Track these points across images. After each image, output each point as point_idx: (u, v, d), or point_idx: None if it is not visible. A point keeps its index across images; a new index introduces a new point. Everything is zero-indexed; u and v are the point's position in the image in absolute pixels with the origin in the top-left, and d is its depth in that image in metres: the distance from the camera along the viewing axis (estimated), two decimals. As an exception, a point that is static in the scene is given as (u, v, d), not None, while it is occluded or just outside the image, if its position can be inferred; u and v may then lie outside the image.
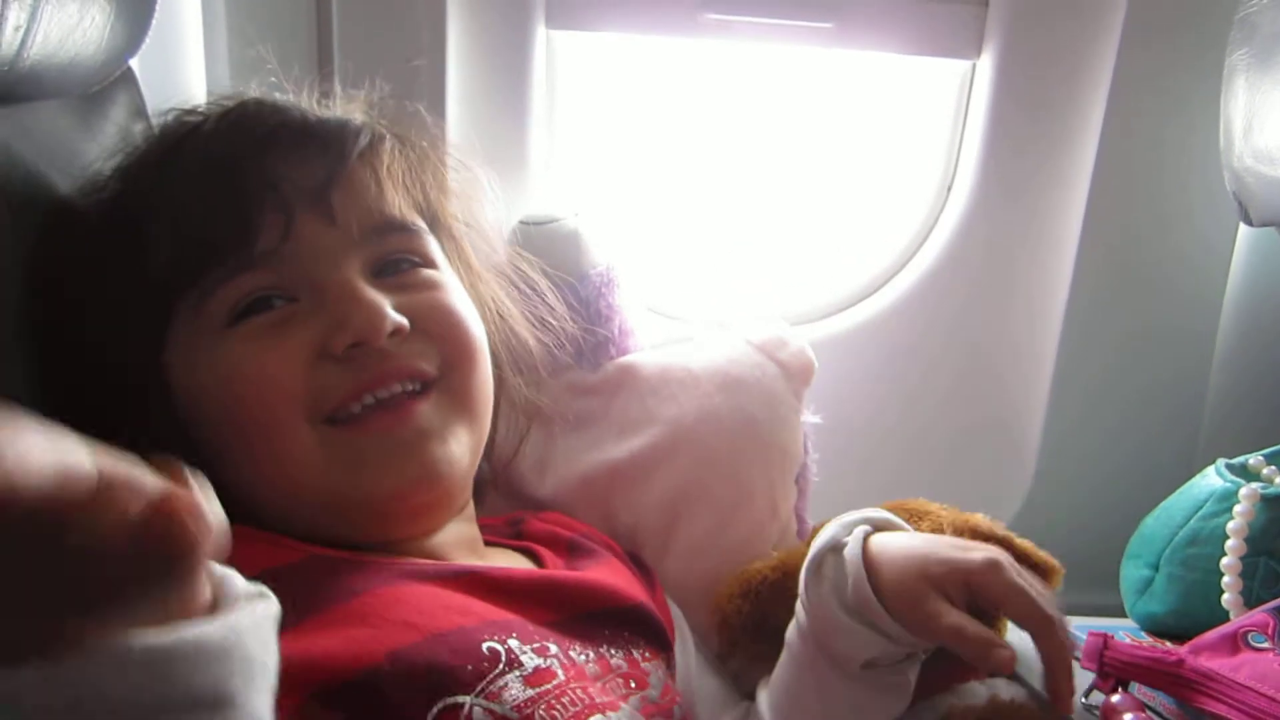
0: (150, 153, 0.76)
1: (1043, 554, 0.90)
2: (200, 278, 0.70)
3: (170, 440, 0.69)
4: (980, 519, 0.93)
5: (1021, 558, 0.89)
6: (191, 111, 0.77)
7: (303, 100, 0.82)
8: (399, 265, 0.76)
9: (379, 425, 0.71)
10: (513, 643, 0.66)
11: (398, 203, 0.76)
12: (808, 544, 0.96)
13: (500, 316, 0.88)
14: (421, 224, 0.79)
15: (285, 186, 0.71)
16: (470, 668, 0.62)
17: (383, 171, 0.76)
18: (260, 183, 0.71)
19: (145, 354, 0.71)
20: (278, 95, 0.81)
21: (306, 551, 0.67)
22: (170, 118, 0.78)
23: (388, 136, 0.79)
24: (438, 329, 0.75)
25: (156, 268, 0.70)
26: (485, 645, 0.64)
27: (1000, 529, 0.92)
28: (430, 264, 0.78)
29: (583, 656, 0.72)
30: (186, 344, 0.71)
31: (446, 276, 0.79)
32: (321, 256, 0.72)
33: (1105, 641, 0.81)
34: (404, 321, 0.72)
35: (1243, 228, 1.21)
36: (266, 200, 0.71)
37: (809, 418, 1.03)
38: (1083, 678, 0.83)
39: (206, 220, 0.70)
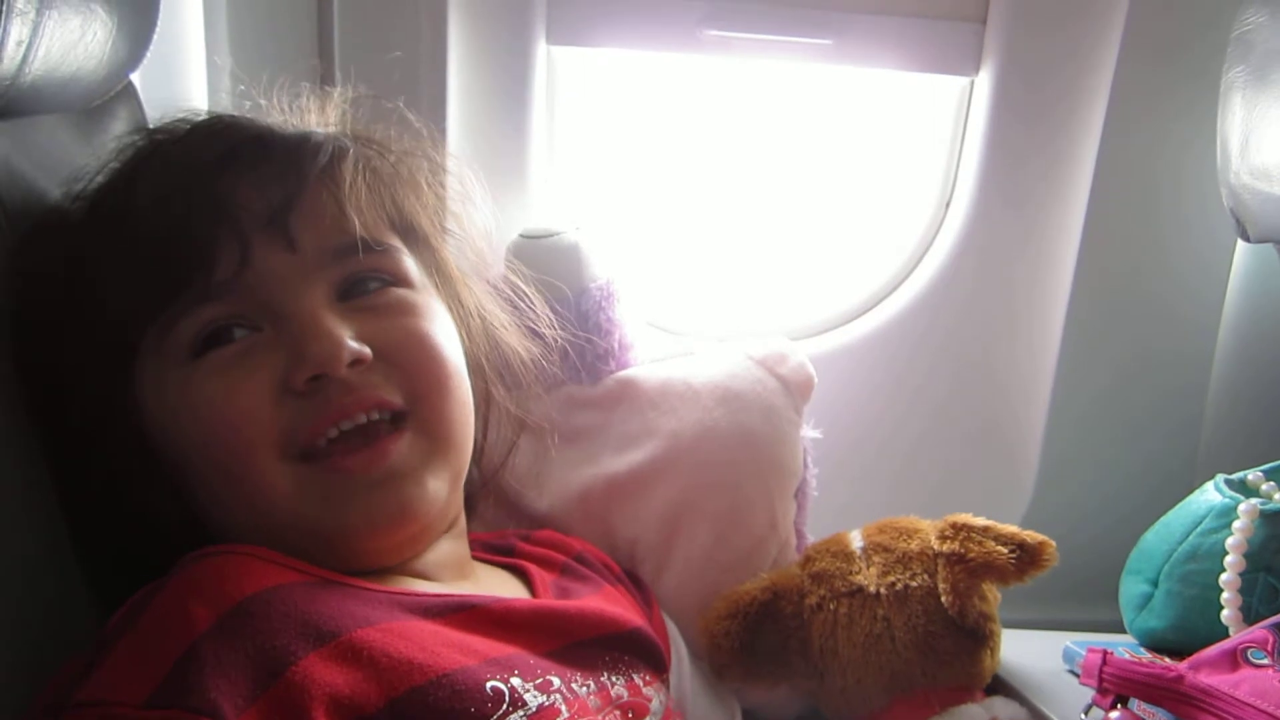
0: (118, 174, 0.75)
1: (1027, 533, 0.90)
2: (161, 309, 0.69)
3: (143, 469, 0.70)
4: (959, 515, 0.93)
5: (1006, 543, 0.89)
6: (159, 129, 0.76)
7: (274, 105, 0.81)
8: (367, 285, 0.74)
9: (354, 464, 0.69)
10: (515, 681, 0.65)
11: (361, 222, 0.73)
12: (798, 565, 0.97)
13: (485, 326, 0.87)
14: (391, 241, 0.77)
15: (241, 213, 0.70)
16: (473, 710, 0.62)
17: (344, 190, 0.73)
18: (215, 210, 0.69)
19: (113, 383, 0.70)
20: (251, 110, 0.80)
21: (313, 574, 0.66)
22: (141, 136, 0.76)
23: (351, 149, 0.76)
24: (405, 358, 0.73)
25: (118, 298, 0.69)
26: (489, 685, 0.63)
27: (981, 520, 0.92)
28: (402, 282, 0.76)
29: (584, 688, 0.71)
30: (156, 377, 0.70)
31: (420, 295, 0.77)
32: (281, 284, 0.70)
33: (1104, 657, 0.81)
34: (364, 351, 0.70)
35: (1240, 244, 1.21)
36: (222, 228, 0.69)
37: (808, 432, 1.03)
38: (1082, 694, 0.83)
39: (163, 251, 0.68)
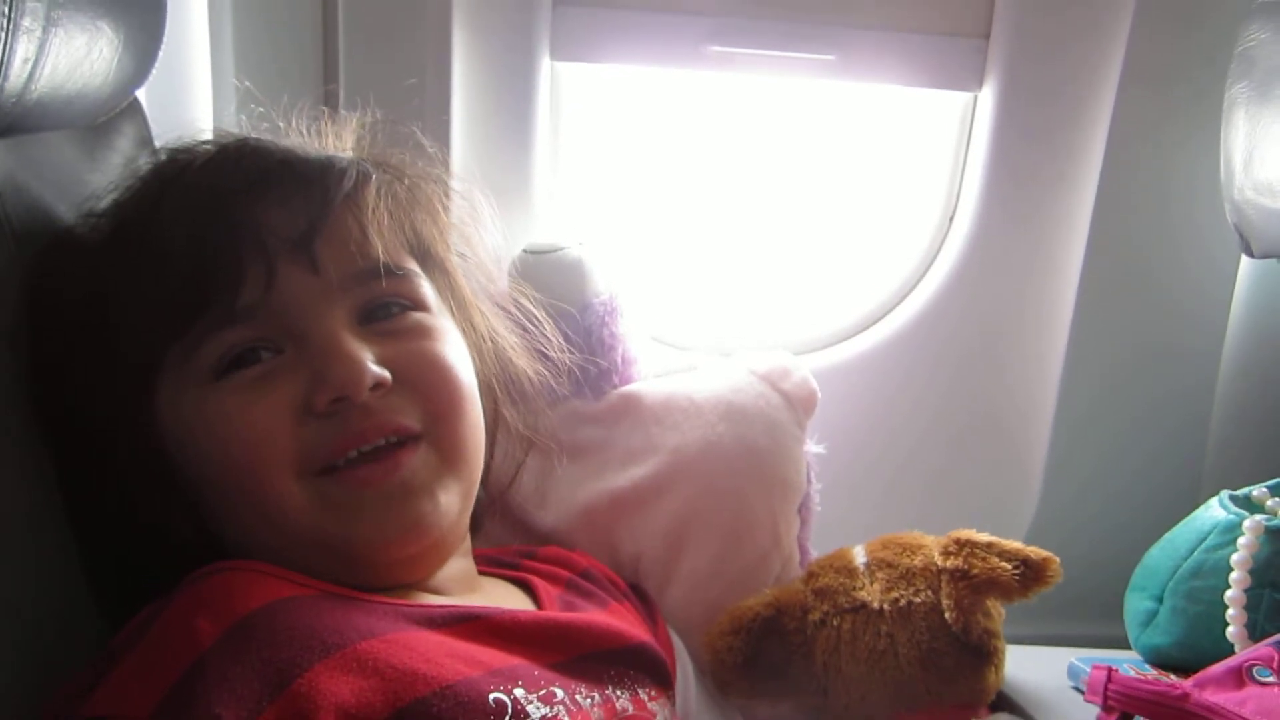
0: (139, 195, 0.75)
1: (1031, 549, 0.90)
2: (185, 330, 0.69)
3: (159, 485, 0.70)
4: (963, 530, 0.93)
5: (1010, 559, 0.89)
6: (180, 150, 0.77)
7: (292, 127, 0.82)
8: (387, 310, 0.75)
9: (367, 477, 0.70)
10: (519, 692, 0.65)
11: (383, 247, 0.74)
12: (801, 580, 0.97)
13: (496, 349, 0.87)
14: (410, 266, 0.78)
15: (267, 237, 0.70)
16: None
17: (367, 215, 0.74)
18: (242, 234, 0.70)
19: (131, 401, 0.70)
20: (267, 131, 0.81)
21: (318, 588, 0.67)
22: (163, 155, 0.77)
23: (373, 174, 0.77)
24: (423, 382, 0.73)
25: (143, 317, 0.70)
26: (492, 697, 0.63)
27: (985, 535, 0.92)
28: (420, 306, 0.77)
29: (588, 700, 0.71)
30: (175, 394, 0.70)
31: (437, 320, 0.77)
32: (305, 308, 0.71)
33: (1109, 674, 0.80)
34: (385, 375, 0.70)
35: (1244, 259, 1.21)
36: (249, 252, 0.70)
37: (812, 447, 1.03)
38: (1086, 711, 0.82)
39: (190, 273, 0.69)
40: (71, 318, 0.71)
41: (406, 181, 0.81)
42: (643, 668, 0.80)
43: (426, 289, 0.78)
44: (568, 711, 0.67)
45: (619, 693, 0.75)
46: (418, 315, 0.76)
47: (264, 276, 0.70)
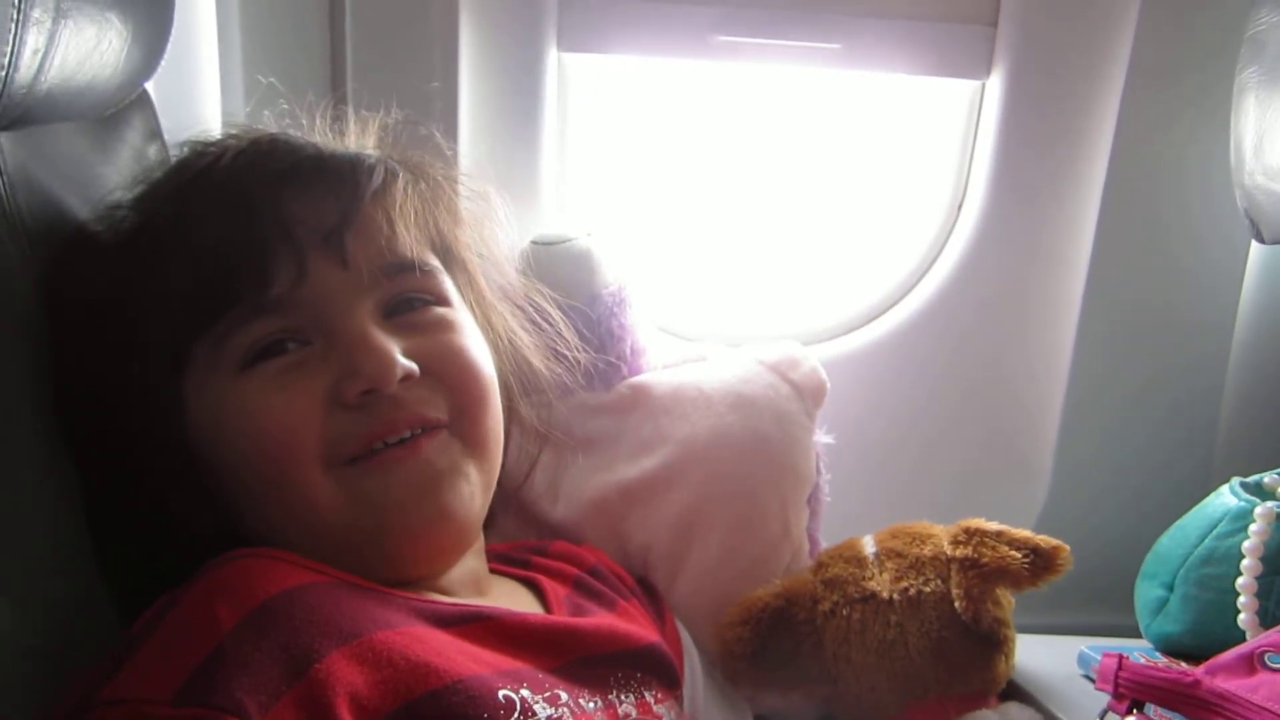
0: (167, 188, 0.76)
1: (1041, 537, 0.90)
2: (214, 322, 0.70)
3: (183, 478, 0.71)
4: (973, 519, 0.93)
5: (1019, 547, 0.89)
6: (209, 144, 0.77)
7: (316, 128, 0.83)
8: (411, 304, 0.76)
9: (389, 459, 0.71)
10: (525, 692, 0.66)
11: (410, 242, 0.75)
12: (811, 570, 0.97)
13: (512, 345, 0.88)
14: (434, 262, 0.79)
15: (297, 230, 0.71)
16: (486, 716, 0.62)
17: (395, 211, 0.75)
18: (274, 227, 0.71)
19: (158, 393, 0.71)
20: (291, 129, 0.81)
21: (335, 576, 0.67)
22: (187, 150, 0.78)
23: (400, 172, 0.78)
24: (448, 374, 0.75)
25: (172, 310, 0.70)
26: (501, 693, 0.64)
27: (994, 524, 0.92)
28: (443, 301, 0.78)
29: (591, 704, 0.72)
30: (203, 384, 0.71)
31: (459, 314, 0.79)
32: (334, 300, 0.72)
33: (1120, 662, 0.80)
34: (413, 367, 0.72)
35: (1254, 245, 1.20)
36: (280, 245, 0.71)
37: (821, 437, 1.03)
38: (1098, 699, 0.82)
39: (222, 265, 0.70)
40: (94, 312, 0.72)
41: (429, 181, 0.82)
42: (650, 669, 0.80)
43: (449, 285, 0.80)
44: (572, 714, 0.68)
45: (623, 697, 0.76)
46: (441, 310, 0.78)
47: (295, 269, 0.71)
